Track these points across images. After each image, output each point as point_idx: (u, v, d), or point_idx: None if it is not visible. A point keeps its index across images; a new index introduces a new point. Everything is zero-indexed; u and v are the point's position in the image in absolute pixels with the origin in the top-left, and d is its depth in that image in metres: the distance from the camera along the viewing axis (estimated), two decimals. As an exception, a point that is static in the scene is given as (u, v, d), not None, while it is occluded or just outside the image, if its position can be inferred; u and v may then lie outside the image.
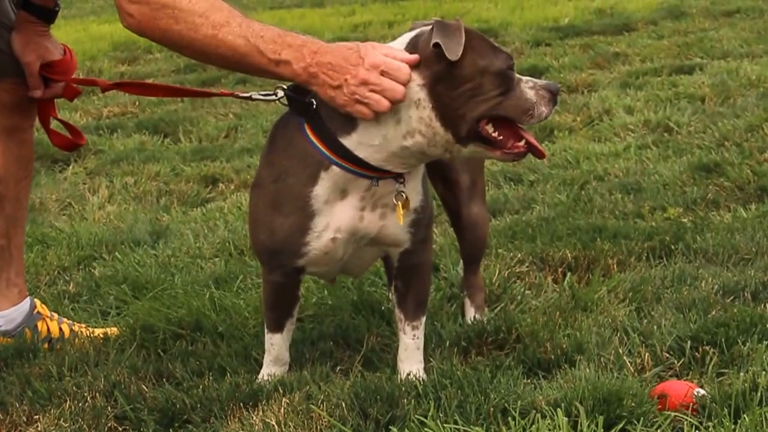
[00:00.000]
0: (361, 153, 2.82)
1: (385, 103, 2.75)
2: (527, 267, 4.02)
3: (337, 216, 2.89)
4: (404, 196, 2.90)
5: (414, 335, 3.08)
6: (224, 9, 2.83)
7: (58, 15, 3.53)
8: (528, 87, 2.85)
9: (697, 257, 4.05)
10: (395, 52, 2.78)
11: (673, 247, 4.14)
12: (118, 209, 5.43)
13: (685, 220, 4.49)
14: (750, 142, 5.62)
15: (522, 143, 2.85)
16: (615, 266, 3.98)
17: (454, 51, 2.73)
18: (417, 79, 2.76)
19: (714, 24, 10.79)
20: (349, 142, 2.82)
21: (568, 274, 3.94)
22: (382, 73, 2.74)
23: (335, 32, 12.28)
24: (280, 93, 2.93)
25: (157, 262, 4.36)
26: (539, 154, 2.89)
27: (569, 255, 4.06)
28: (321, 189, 2.86)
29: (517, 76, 2.86)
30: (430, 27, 2.80)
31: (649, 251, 4.12)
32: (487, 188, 5.26)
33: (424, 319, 3.09)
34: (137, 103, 8.29)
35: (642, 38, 10.17)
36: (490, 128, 2.81)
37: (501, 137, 2.83)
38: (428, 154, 2.85)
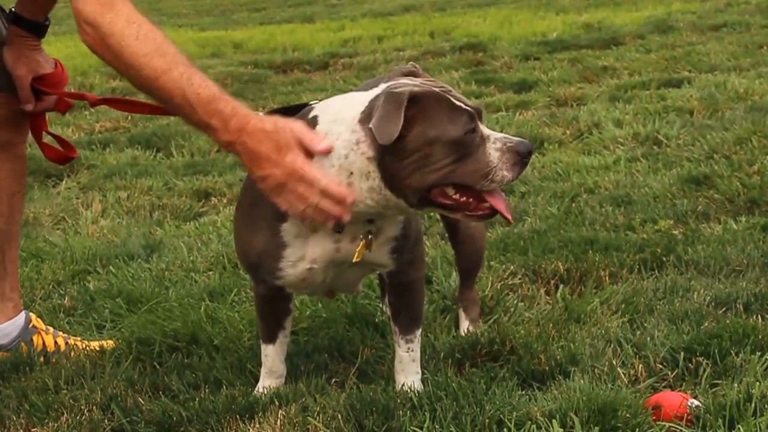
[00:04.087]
0: None
1: (321, 206, 2.73)
2: (520, 279, 4.04)
3: (311, 249, 2.88)
4: (370, 236, 2.87)
5: (408, 348, 3.09)
6: (169, 54, 2.84)
7: (49, 31, 3.55)
8: (494, 148, 2.71)
9: (688, 269, 4.07)
10: (310, 142, 2.74)
11: (664, 258, 4.17)
12: (111, 223, 5.44)
13: (676, 232, 4.52)
14: (739, 154, 5.65)
15: (486, 205, 2.75)
16: (607, 278, 4.00)
17: (387, 136, 2.64)
18: (367, 152, 2.71)
19: (701, 38, 10.86)
20: None
21: (561, 286, 3.96)
22: (300, 179, 2.73)
23: (325, 47, 12.32)
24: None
25: (151, 276, 4.37)
26: (505, 220, 2.77)
27: (561, 267, 4.08)
28: (290, 225, 2.85)
29: (486, 133, 2.73)
30: (383, 94, 2.71)
31: (640, 263, 4.14)
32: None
33: (418, 332, 3.10)
34: (129, 118, 8.30)
35: (630, 52, 10.23)
36: (450, 191, 2.73)
37: (463, 199, 2.74)
38: (384, 214, 2.82)
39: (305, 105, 2.92)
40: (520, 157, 2.71)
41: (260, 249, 2.91)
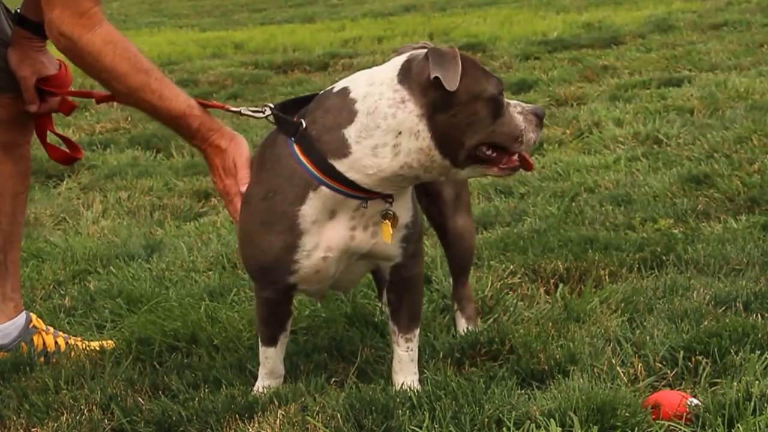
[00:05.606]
0: (352, 176, 2.81)
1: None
2: (519, 278, 4.04)
3: (327, 236, 2.89)
4: (392, 214, 2.90)
5: (408, 347, 3.09)
6: (142, 71, 3.08)
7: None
8: (517, 112, 2.85)
9: (688, 268, 4.07)
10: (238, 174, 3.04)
11: (664, 257, 4.17)
12: (112, 224, 5.45)
13: (676, 231, 4.52)
14: (739, 153, 5.66)
15: (515, 157, 2.87)
16: (607, 277, 4.01)
17: (453, 81, 2.72)
18: (415, 110, 2.76)
19: (702, 37, 10.86)
20: (341, 165, 2.81)
21: (561, 285, 3.96)
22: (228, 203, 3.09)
23: (326, 47, 12.32)
24: (268, 110, 2.97)
25: (151, 276, 4.38)
26: (528, 166, 2.91)
27: (561, 266, 4.08)
28: (309, 209, 2.86)
29: (506, 100, 2.87)
30: (422, 53, 2.79)
31: (640, 262, 4.14)
32: (478, 201, 5.30)
33: (417, 331, 3.10)
34: (129, 118, 8.31)
35: (630, 51, 10.24)
36: (485, 148, 2.83)
37: (495, 155, 2.85)
38: (422, 178, 2.87)
39: (315, 95, 2.95)
40: (539, 119, 2.86)
41: (276, 243, 2.89)
